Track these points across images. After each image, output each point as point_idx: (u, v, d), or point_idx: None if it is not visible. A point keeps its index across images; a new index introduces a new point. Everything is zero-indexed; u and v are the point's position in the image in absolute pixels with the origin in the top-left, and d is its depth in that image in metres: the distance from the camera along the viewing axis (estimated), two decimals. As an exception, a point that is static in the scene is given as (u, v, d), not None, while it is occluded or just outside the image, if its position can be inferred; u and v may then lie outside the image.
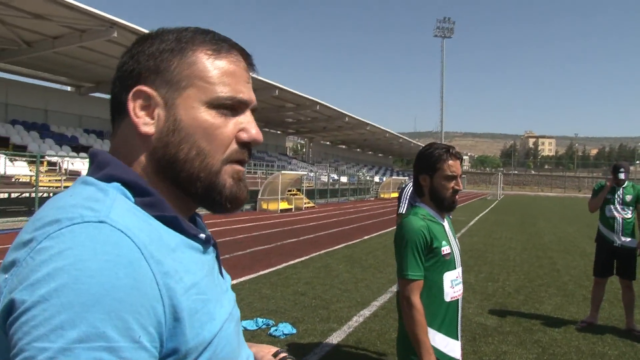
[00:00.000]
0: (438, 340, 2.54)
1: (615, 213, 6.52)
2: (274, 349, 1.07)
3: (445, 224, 2.72)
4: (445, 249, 2.58)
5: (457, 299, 2.66)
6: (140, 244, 0.71)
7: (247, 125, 0.90)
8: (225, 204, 0.89)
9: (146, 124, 0.84)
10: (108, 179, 0.80)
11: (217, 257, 0.95)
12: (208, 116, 0.85)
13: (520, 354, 5.48)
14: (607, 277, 6.68)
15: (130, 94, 0.84)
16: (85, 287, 0.63)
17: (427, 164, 2.64)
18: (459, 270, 2.68)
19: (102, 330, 0.62)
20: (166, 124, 0.85)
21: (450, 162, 2.61)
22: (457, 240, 2.83)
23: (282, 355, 1.03)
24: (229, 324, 0.87)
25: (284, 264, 10.33)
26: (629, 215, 6.49)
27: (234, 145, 0.88)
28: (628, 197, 6.48)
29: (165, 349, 0.71)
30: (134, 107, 0.84)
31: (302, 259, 11.14)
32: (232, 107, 0.88)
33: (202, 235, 0.88)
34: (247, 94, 0.90)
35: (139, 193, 0.81)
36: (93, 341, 0.61)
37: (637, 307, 7.02)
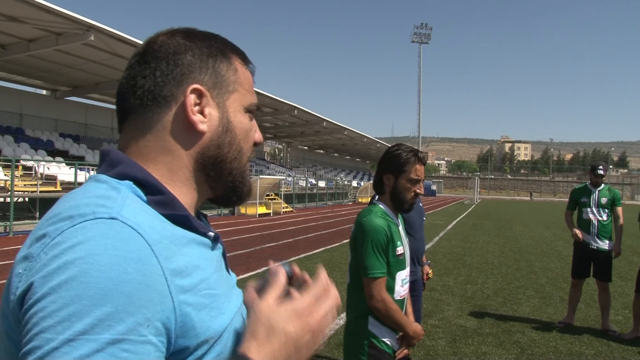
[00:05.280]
0: (386, 334, 2.58)
1: (592, 216, 6.62)
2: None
3: (399, 223, 2.74)
4: (399, 249, 2.60)
5: (404, 298, 2.69)
6: (150, 240, 0.72)
7: (256, 128, 1.00)
8: (244, 197, 0.99)
9: (202, 122, 0.88)
10: (121, 177, 0.81)
11: (224, 255, 0.97)
12: (246, 119, 0.95)
13: (500, 355, 5.54)
14: (584, 278, 6.79)
15: (189, 90, 0.86)
16: (94, 281, 0.65)
17: (394, 165, 2.65)
18: (407, 270, 2.71)
19: (108, 324, 0.63)
20: (220, 124, 0.90)
21: (417, 166, 2.64)
22: (407, 239, 2.84)
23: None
24: (238, 318, 0.89)
25: (264, 268, 10.24)
26: (605, 218, 6.58)
27: (251, 146, 0.99)
28: (603, 200, 6.58)
29: (175, 342, 0.73)
30: (190, 104, 0.86)
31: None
32: (253, 113, 0.98)
33: (211, 234, 0.90)
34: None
35: (151, 191, 0.82)
36: (98, 333, 0.62)
37: (613, 308, 7.16)
